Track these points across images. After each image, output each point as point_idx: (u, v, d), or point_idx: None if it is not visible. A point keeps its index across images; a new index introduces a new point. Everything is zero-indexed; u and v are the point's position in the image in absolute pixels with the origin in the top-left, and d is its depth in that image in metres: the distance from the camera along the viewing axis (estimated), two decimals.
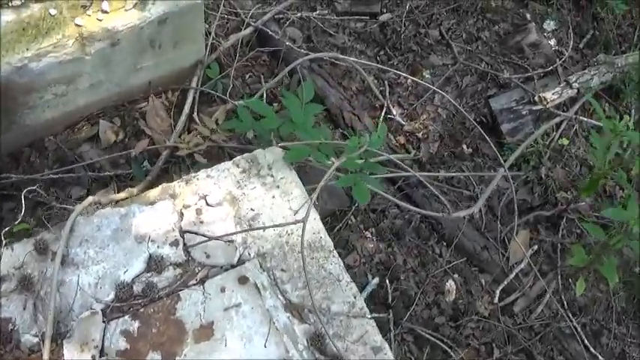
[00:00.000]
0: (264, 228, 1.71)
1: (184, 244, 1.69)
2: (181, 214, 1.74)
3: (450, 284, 2.40)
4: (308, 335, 1.60)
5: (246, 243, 1.71)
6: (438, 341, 2.22)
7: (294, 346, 1.57)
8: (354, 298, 1.68)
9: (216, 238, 1.67)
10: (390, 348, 2.15)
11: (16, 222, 1.77)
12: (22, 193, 1.83)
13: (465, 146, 2.70)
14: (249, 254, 1.69)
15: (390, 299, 2.26)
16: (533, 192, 2.63)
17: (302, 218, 1.61)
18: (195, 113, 2.33)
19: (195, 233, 1.70)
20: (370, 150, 1.84)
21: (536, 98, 2.67)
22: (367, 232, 2.43)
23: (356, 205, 2.43)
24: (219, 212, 1.75)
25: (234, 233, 1.69)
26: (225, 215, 1.74)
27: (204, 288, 1.61)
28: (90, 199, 1.72)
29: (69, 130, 2.27)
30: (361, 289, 2.25)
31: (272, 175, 1.84)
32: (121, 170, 2.23)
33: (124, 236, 1.67)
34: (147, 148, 2.21)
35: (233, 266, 1.67)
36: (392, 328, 2.20)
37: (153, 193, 1.79)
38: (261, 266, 1.67)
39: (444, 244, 2.48)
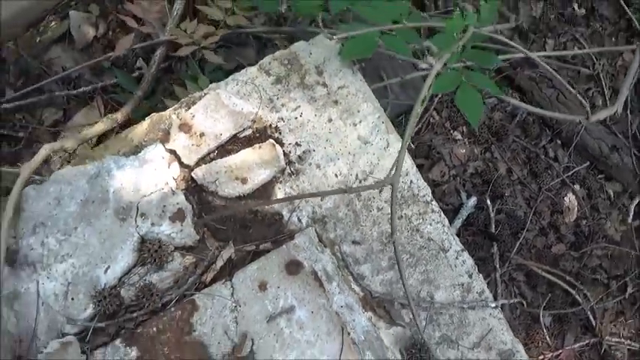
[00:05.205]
0: (323, 194, 1.08)
1: (194, 215, 1.08)
2: (184, 165, 1.12)
3: (570, 199, 1.78)
4: (402, 343, 1.03)
5: (292, 202, 1.10)
6: (556, 279, 1.66)
7: None
8: (469, 277, 1.07)
9: (259, 206, 1.06)
10: (496, 292, 1.60)
11: None
12: None
13: (576, 5, 1.97)
14: (299, 220, 1.08)
15: (492, 225, 1.67)
16: None
17: (389, 177, 0.98)
18: None
19: (212, 194, 1.09)
20: (478, 32, 1.14)
21: None
22: (456, 133, 1.78)
23: (438, 96, 1.77)
24: (244, 156, 1.12)
25: (281, 200, 1.06)
26: (253, 159, 1.11)
27: (232, 285, 1.02)
28: (43, 152, 1.07)
29: (32, 31, 1.63)
30: (454, 213, 1.66)
31: (324, 84, 1.17)
32: (107, 79, 1.59)
33: (97, 211, 1.06)
34: (135, 46, 1.53)
35: (275, 242, 1.07)
36: (497, 265, 1.63)
37: (137, 131, 1.15)
38: (320, 240, 1.06)
39: (560, 143, 1.83)
